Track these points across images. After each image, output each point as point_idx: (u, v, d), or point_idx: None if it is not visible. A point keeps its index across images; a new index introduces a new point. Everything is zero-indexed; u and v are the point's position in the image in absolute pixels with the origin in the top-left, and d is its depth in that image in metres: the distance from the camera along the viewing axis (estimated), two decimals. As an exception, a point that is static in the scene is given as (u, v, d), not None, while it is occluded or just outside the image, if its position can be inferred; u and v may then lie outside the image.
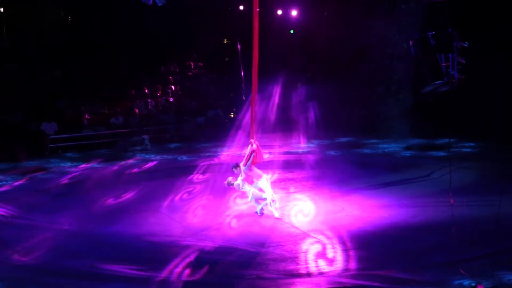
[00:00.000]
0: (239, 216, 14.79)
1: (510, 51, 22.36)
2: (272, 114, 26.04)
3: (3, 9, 31.10)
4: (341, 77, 26.09)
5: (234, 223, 14.28)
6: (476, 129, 23.37)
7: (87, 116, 27.35)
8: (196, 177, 19.33)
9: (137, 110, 28.23)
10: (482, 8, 22.39)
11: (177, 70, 32.31)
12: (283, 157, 22.27)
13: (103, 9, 30.48)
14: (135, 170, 21.44)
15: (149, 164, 22.39)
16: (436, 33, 20.18)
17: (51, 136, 25.35)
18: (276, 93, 25.96)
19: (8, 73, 28.22)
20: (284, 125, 26.56)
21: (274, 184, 16.72)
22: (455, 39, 20.19)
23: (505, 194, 15.31)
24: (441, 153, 22.03)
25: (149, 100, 29.21)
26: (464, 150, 22.35)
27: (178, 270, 11.13)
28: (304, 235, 13.07)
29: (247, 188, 14.74)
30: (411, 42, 21.47)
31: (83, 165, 22.39)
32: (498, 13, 22.08)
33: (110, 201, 16.85)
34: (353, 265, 11.22)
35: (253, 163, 14.65)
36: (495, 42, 22.48)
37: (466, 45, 20.28)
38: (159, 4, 26.19)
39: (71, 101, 28.01)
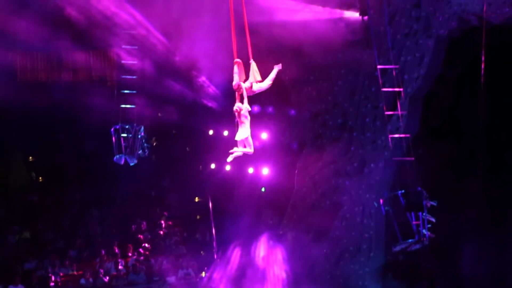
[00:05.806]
0: None
1: (477, 206, 22.74)
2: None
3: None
4: (311, 235, 26.09)
5: None
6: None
7: (54, 278, 26.89)
8: None
9: (102, 271, 27.76)
10: (450, 165, 22.96)
11: (147, 228, 32.13)
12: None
13: (74, 168, 30.83)
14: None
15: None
16: (405, 192, 20.54)
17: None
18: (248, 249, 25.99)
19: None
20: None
21: None
22: (425, 197, 20.54)
23: None
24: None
25: (119, 260, 28.82)
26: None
27: None
28: None
29: None
30: (381, 201, 21.76)
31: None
32: (463, 169, 22.60)
33: None
34: None
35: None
36: (464, 197, 22.85)
37: (435, 204, 20.62)
38: (131, 164, 26.58)
39: (39, 263, 27.54)
